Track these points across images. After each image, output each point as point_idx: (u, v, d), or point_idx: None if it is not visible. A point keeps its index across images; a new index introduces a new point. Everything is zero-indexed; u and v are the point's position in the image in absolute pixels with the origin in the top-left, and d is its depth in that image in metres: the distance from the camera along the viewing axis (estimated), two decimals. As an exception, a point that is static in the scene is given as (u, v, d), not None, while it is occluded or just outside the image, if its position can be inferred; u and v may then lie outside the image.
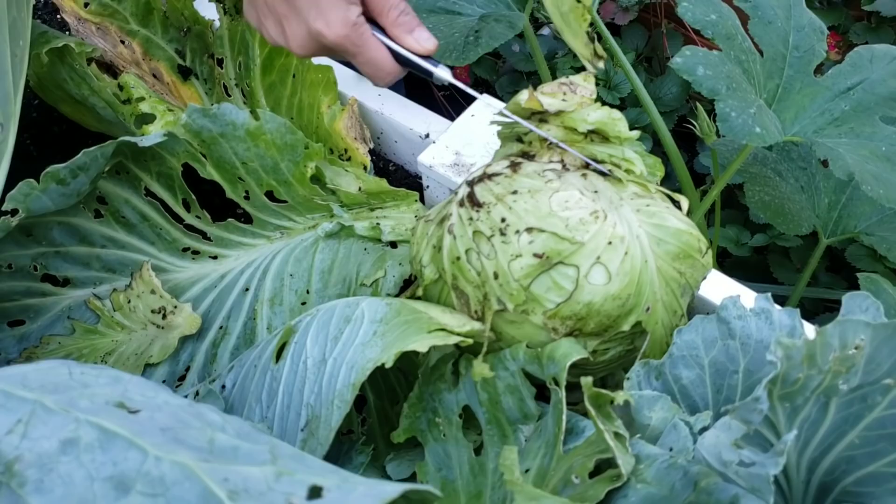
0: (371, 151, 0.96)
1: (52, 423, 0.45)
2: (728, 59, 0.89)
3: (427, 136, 0.95)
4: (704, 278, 0.70)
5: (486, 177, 0.66)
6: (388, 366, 0.57)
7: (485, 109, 0.93)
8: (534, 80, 1.52)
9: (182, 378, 0.84)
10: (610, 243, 0.61)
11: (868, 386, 0.55)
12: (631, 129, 1.55)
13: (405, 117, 0.95)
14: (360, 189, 0.91)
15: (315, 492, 0.40)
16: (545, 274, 0.61)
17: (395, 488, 0.39)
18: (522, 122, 0.68)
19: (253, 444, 0.46)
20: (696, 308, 0.79)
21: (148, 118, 0.88)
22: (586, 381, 0.53)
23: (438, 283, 0.67)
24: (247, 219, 0.91)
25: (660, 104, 1.48)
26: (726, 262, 1.37)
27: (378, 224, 0.88)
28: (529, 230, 0.61)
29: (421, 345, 0.57)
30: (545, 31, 1.64)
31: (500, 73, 1.59)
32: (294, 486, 0.41)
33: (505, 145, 0.72)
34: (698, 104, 1.18)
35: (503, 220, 0.62)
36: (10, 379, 0.48)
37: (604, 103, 1.47)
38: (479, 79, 1.58)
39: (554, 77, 0.95)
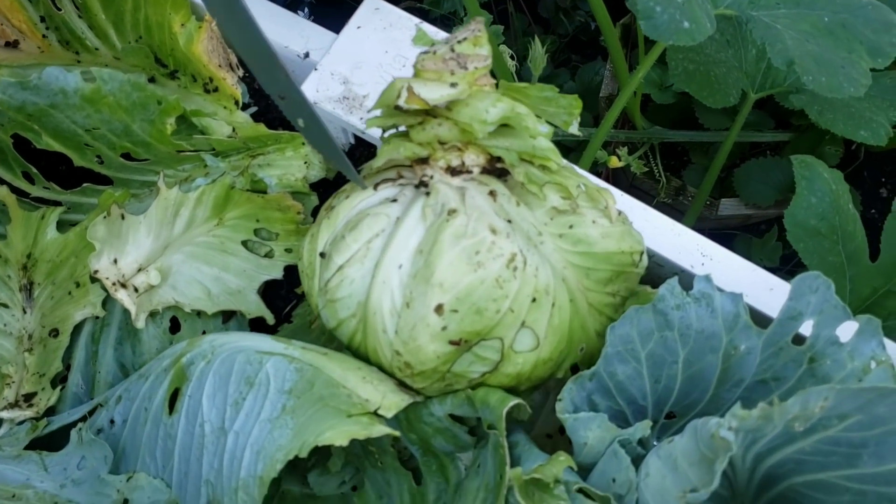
0: (244, 79, 0.80)
1: None
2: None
3: (307, 55, 0.79)
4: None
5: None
6: (301, 456, 0.49)
7: (373, 17, 0.78)
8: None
9: (64, 378, 0.75)
10: (534, 300, 0.51)
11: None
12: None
13: (277, 32, 0.78)
14: (234, 131, 0.77)
15: None
16: (466, 353, 0.52)
17: None
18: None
19: None
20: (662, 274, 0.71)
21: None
22: (516, 472, 0.46)
23: (346, 324, 0.57)
24: (106, 180, 0.77)
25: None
26: (649, 107, 1.27)
27: (261, 178, 0.76)
28: (439, 309, 0.50)
29: (339, 436, 0.48)
30: None
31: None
32: None
33: (390, 142, 0.57)
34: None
35: (410, 292, 0.51)
36: None
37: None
38: None
39: None
